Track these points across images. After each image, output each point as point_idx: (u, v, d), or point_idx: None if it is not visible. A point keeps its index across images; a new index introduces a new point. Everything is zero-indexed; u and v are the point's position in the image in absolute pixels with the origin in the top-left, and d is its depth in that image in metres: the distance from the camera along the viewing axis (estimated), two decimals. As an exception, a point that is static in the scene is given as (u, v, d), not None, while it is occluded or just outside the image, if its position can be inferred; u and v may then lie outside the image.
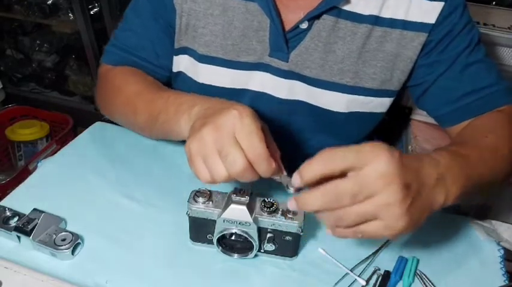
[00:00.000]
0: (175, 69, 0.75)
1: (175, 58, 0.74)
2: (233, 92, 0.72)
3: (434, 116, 0.74)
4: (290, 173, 0.48)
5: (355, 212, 0.43)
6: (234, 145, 0.47)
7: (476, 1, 1.32)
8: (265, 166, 0.48)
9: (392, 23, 0.64)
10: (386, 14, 0.63)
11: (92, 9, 1.82)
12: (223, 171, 0.48)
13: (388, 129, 0.77)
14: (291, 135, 0.76)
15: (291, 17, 0.65)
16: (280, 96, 0.71)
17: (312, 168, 0.43)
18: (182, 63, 0.73)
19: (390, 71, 0.67)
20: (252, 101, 0.72)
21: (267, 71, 0.69)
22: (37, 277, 0.55)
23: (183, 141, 0.84)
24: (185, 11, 0.68)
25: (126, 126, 0.76)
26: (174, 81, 0.78)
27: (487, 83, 0.68)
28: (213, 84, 0.72)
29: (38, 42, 2.09)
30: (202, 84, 0.73)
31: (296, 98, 0.71)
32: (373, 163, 0.41)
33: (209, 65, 0.70)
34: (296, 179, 0.44)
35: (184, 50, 0.71)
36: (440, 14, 0.64)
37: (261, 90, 0.71)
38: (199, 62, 0.71)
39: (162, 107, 0.60)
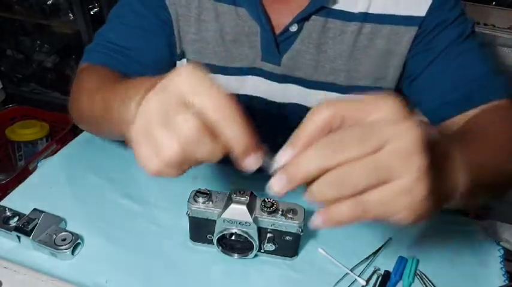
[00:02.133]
0: None
1: (178, 63, 0.73)
2: None
3: (423, 110, 0.70)
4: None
5: (365, 164, 0.31)
6: (182, 103, 0.36)
7: (476, 1, 1.32)
8: (234, 125, 0.36)
9: (382, 19, 0.63)
10: (375, 9, 0.63)
11: (92, 9, 1.82)
12: (172, 142, 0.36)
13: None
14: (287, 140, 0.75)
15: (280, 20, 0.64)
16: (275, 100, 0.70)
17: (308, 124, 0.34)
18: None
19: (383, 68, 0.67)
20: (247, 106, 0.71)
21: (260, 76, 0.68)
22: (37, 277, 0.55)
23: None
24: (181, 15, 0.67)
25: (92, 128, 0.68)
26: None
27: (478, 74, 0.64)
28: None
29: (38, 42, 2.09)
30: None
31: (291, 101, 0.70)
32: (386, 107, 0.32)
33: None
34: (287, 151, 0.35)
35: (184, 54, 0.71)
36: (430, 7, 0.63)
37: (255, 95, 0.70)
38: None
39: (116, 93, 0.50)
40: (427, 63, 0.66)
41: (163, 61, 0.72)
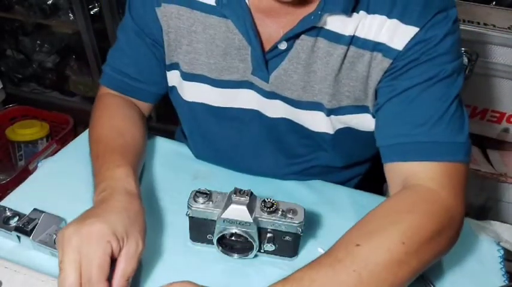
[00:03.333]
0: (170, 84, 0.75)
1: (168, 74, 0.74)
2: (220, 111, 0.71)
3: (377, 144, 0.65)
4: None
5: None
6: (72, 262, 0.49)
7: (476, 1, 1.32)
8: None
9: (365, 44, 0.60)
10: (360, 33, 0.60)
11: (92, 9, 1.82)
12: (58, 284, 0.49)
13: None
14: (285, 152, 0.75)
15: (270, 37, 0.63)
16: (265, 114, 0.70)
17: None
18: (174, 79, 0.73)
19: (363, 91, 0.64)
20: (241, 119, 0.71)
21: (251, 89, 0.68)
22: (37, 277, 0.55)
23: (183, 142, 0.85)
24: (172, 27, 0.67)
25: None
26: (170, 95, 0.78)
27: (433, 128, 0.59)
28: (199, 101, 0.71)
29: (38, 42, 2.08)
30: (189, 102, 0.72)
31: (280, 116, 0.69)
32: None
33: (194, 83, 0.70)
34: None
35: (175, 66, 0.71)
36: (410, 41, 0.58)
37: (249, 108, 0.70)
38: (184, 79, 0.70)
39: (99, 170, 0.64)
40: (387, 99, 0.61)
41: (161, 75, 0.75)
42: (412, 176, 0.59)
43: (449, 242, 0.56)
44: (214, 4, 0.63)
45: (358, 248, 0.51)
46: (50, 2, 1.88)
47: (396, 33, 0.58)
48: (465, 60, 1.14)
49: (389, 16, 0.58)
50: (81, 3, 1.73)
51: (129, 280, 0.52)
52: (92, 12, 1.82)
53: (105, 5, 1.71)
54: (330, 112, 0.66)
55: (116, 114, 0.74)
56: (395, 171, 0.62)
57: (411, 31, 0.58)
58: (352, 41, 0.60)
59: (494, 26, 1.17)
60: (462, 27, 1.16)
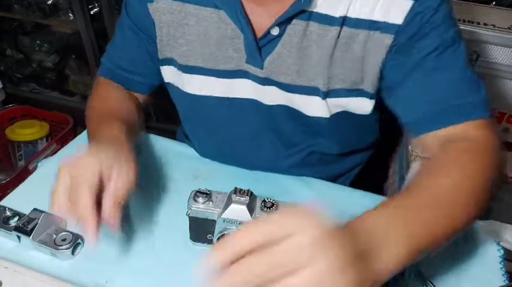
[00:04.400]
0: (165, 80, 0.76)
1: (162, 69, 0.74)
2: (220, 101, 0.71)
3: (404, 122, 0.66)
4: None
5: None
6: (62, 185, 0.52)
7: (476, 1, 1.32)
8: (76, 213, 0.51)
9: (358, 24, 0.61)
10: (353, 14, 0.60)
11: (92, 9, 1.82)
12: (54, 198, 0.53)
13: (390, 128, 0.73)
14: (284, 141, 0.75)
15: (262, 24, 0.63)
16: (262, 102, 0.70)
17: (224, 249, 0.39)
18: (168, 75, 0.74)
19: (359, 73, 0.64)
20: (240, 109, 0.71)
21: (247, 78, 0.68)
22: (37, 277, 0.55)
23: (185, 142, 0.85)
24: (164, 22, 0.68)
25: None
26: (169, 91, 0.78)
27: (456, 92, 0.61)
28: (199, 93, 0.72)
29: (38, 42, 2.08)
30: (190, 94, 0.73)
31: (277, 103, 0.70)
32: (297, 233, 0.36)
33: (192, 75, 0.70)
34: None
35: (168, 61, 0.72)
36: (408, 14, 0.59)
37: (246, 97, 0.70)
38: (183, 72, 0.71)
39: (96, 131, 0.67)
40: (404, 74, 0.63)
41: (154, 68, 0.76)
42: (451, 137, 0.60)
43: (494, 189, 0.56)
44: None
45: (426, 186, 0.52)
46: (50, 1, 1.88)
47: (391, 9, 0.59)
48: (465, 60, 1.14)
49: None
50: (81, 3, 1.73)
51: (121, 202, 0.54)
52: (91, 12, 1.82)
53: (104, 5, 1.71)
54: (325, 95, 0.66)
55: (110, 96, 0.77)
56: (431, 140, 0.62)
57: (407, 4, 0.59)
58: (344, 21, 0.61)
59: (494, 26, 1.17)
60: (462, 27, 1.16)
